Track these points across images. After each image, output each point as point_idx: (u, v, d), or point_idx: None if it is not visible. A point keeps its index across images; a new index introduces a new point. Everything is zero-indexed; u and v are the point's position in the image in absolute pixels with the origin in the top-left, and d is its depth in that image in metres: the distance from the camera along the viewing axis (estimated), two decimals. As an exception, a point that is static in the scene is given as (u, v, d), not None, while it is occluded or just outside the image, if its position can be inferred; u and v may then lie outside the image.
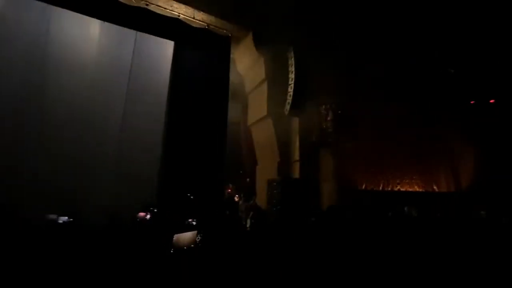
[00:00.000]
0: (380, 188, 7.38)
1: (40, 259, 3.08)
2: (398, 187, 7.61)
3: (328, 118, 6.70)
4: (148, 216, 4.98)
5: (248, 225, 5.38)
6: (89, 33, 5.65)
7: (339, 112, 6.68)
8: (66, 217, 4.32)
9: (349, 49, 6.82)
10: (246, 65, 7.46)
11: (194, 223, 5.02)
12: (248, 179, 8.06)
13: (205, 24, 6.54)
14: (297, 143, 6.84)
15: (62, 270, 2.92)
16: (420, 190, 7.86)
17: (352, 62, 6.79)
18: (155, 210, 5.17)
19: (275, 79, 6.75)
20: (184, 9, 6.24)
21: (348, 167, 6.97)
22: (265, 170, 7.18)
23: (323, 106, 6.82)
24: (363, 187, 7.20)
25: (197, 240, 3.99)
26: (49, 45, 5.26)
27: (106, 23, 5.75)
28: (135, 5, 5.87)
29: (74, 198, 4.85)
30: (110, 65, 5.63)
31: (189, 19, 6.38)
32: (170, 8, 6.17)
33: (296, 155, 6.85)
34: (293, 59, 6.60)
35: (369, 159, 7.21)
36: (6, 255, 2.85)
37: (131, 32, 5.94)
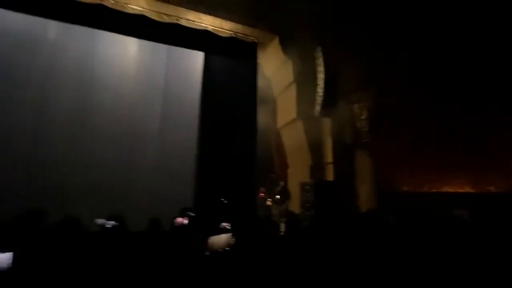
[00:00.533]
0: (424, 189, 6.82)
1: (94, 266, 3.31)
2: (445, 188, 6.95)
3: (362, 117, 6.44)
4: (186, 221, 5.20)
5: (282, 230, 5.32)
6: (127, 51, 6.21)
7: (374, 110, 6.38)
8: (113, 221, 4.69)
9: (379, 43, 6.51)
10: (273, 69, 7.50)
11: (228, 226, 5.12)
12: (281, 183, 7.99)
13: (233, 33, 6.74)
14: (330, 145, 6.66)
15: (111, 275, 3.11)
16: (472, 191, 7.09)
17: (384, 56, 6.47)
18: (193, 215, 5.39)
19: (303, 80, 6.68)
20: (211, 21, 6.50)
21: (386, 168, 6.58)
22: (297, 173, 7.08)
23: (356, 105, 6.58)
24: (405, 189, 6.72)
25: (232, 243, 4.03)
26: (95, 66, 5.87)
27: (142, 41, 6.28)
28: (168, 21, 6.26)
29: (116, 204, 5.24)
30: (146, 79, 6.13)
31: (217, 30, 6.63)
32: (199, 21, 6.46)
33: (329, 157, 6.66)
34: (321, 58, 6.47)
35: (410, 159, 6.72)
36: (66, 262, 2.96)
37: (164, 47, 6.40)
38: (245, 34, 6.82)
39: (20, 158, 5.02)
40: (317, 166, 6.68)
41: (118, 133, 5.72)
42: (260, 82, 7.28)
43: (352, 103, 6.61)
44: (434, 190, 6.89)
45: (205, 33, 6.52)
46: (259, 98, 7.03)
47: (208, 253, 3.90)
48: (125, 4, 5.82)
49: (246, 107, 6.74)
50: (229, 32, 6.71)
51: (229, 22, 6.57)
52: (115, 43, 6.13)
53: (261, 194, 8.00)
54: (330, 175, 6.58)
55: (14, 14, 5.25)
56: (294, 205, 6.48)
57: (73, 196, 5.06)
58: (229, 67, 6.80)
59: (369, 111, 6.41)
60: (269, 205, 7.49)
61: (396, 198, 6.41)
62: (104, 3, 5.68)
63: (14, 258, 2.56)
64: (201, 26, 6.48)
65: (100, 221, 4.62)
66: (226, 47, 6.70)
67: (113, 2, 5.73)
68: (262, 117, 7.14)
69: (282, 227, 5.36)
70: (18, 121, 5.14)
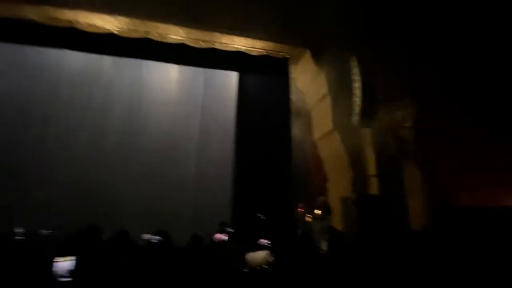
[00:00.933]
0: (484, 202, 5.93)
1: (141, 276, 3.47)
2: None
3: (406, 125, 5.99)
4: (225, 237, 5.25)
5: (323, 248, 5.05)
6: (169, 76, 6.84)
7: (419, 116, 5.89)
8: (159, 237, 4.95)
9: (418, 46, 6.11)
10: (306, 82, 7.47)
11: (267, 243, 5.03)
12: (322, 197, 7.66)
13: (264, 51, 6.95)
14: (372, 156, 6.26)
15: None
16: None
17: (425, 59, 6.02)
18: (231, 231, 5.43)
19: (338, 91, 6.52)
20: (244, 41, 6.81)
21: (439, 179, 5.93)
22: (337, 187, 6.75)
23: (398, 113, 6.16)
24: (462, 202, 5.94)
25: (270, 260, 3.93)
26: (142, 92, 6.55)
27: (182, 66, 6.88)
28: (204, 46, 6.72)
29: (159, 219, 5.55)
30: (186, 100, 6.64)
31: (250, 49, 6.91)
32: (232, 43, 6.82)
33: (372, 169, 6.24)
34: (356, 68, 6.30)
35: (466, 167, 5.97)
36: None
37: (201, 70, 6.91)
38: (276, 51, 6.99)
39: (79, 178, 5.70)
40: (358, 179, 6.31)
41: (160, 151, 6.21)
42: (293, 96, 7.31)
43: (394, 111, 6.21)
44: (496, 204, 5.95)
45: (238, 54, 6.84)
46: (293, 111, 7.03)
47: (247, 270, 3.87)
48: (167, 35, 6.43)
49: (280, 121, 6.79)
50: (261, 50, 6.94)
51: (261, 41, 6.81)
52: (158, 71, 6.79)
53: (299, 209, 7.76)
54: (374, 189, 6.14)
55: (76, 53, 6.22)
56: (336, 221, 6.14)
57: (123, 213, 5.52)
58: (262, 83, 6.99)
59: (413, 118, 5.94)
60: (308, 221, 7.21)
61: (452, 212, 5.69)
62: (149, 36, 6.35)
63: (76, 264, 3.08)
64: (234, 47, 6.82)
65: (146, 236, 4.93)
66: (258, 65, 6.93)
67: (156, 34, 6.38)
68: (296, 130, 7.08)
69: (324, 245, 5.09)
70: (79, 144, 5.89)
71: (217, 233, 5.20)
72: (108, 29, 6.07)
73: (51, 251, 3.49)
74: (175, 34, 6.46)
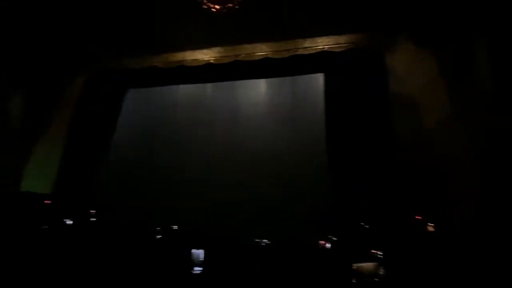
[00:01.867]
0: None
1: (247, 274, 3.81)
2: None
3: None
4: (328, 245, 5.03)
5: (449, 264, 4.07)
6: (259, 90, 7.38)
7: None
8: (266, 240, 5.24)
9: None
10: (406, 69, 6.43)
11: (378, 254, 4.51)
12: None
13: (351, 45, 6.47)
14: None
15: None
16: None
17: None
18: (335, 239, 5.16)
19: (454, 77, 5.32)
20: (327, 40, 6.57)
21: None
22: (461, 189, 5.36)
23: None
24: None
25: (381, 273, 3.52)
26: (237, 107, 7.29)
27: (270, 79, 7.30)
28: (287, 55, 6.89)
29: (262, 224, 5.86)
30: (275, 111, 6.94)
31: (334, 46, 6.59)
32: (315, 45, 6.69)
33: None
34: (485, 49, 5.01)
35: None
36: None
37: (288, 78, 7.11)
38: (364, 42, 6.39)
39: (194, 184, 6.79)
40: (496, 179, 4.83)
41: (257, 160, 6.65)
42: (393, 87, 6.41)
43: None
44: None
45: (323, 54, 6.62)
46: (394, 103, 6.15)
47: (355, 281, 3.58)
48: (253, 53, 6.98)
49: (379, 117, 6.06)
50: (347, 44, 6.50)
51: (345, 35, 6.41)
52: (249, 87, 7.44)
53: (417, 217, 6.58)
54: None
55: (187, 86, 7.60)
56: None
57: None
58: (354, 79, 6.47)
59: None
60: (430, 231, 6.02)
61: None
62: (239, 58, 7.04)
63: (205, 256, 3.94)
64: (317, 49, 6.66)
65: (257, 240, 5.32)
66: (346, 61, 6.49)
67: (244, 55, 7.01)
68: (402, 125, 6.14)
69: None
70: (191, 155, 7.07)
71: (320, 240, 5.07)
72: (206, 60, 7.14)
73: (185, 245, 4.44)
74: (259, 50, 6.93)
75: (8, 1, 5.51)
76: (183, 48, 7.21)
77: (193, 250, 4.16)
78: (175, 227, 5.64)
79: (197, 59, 7.21)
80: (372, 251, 4.46)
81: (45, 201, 6.42)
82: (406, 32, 5.92)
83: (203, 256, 4.12)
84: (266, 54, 6.90)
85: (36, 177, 6.71)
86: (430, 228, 6.13)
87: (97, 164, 7.11)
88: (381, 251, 4.42)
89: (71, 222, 5.75)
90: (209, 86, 7.84)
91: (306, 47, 6.74)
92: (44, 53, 6.81)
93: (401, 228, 5.30)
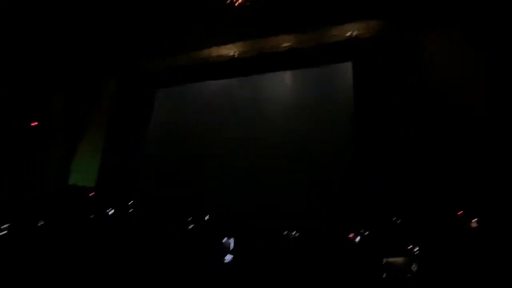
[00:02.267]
0: None
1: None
2: None
3: None
4: (358, 238, 4.93)
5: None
6: (286, 84, 7.31)
7: None
8: (295, 232, 5.29)
9: None
10: (444, 59, 5.85)
11: (414, 250, 4.32)
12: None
13: (382, 31, 6.09)
14: None
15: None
16: None
17: None
18: (366, 233, 5.02)
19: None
20: (355, 26, 6.25)
21: None
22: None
23: None
24: None
25: (413, 269, 3.36)
26: (262, 99, 7.32)
27: (295, 70, 7.18)
28: (313, 45, 6.69)
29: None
30: (300, 101, 6.83)
31: (364, 33, 6.25)
32: (342, 32, 6.38)
33: None
34: None
35: None
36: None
37: (314, 69, 6.92)
38: (392, 29, 5.98)
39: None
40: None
41: (286, 154, 6.65)
42: (430, 74, 5.92)
43: None
44: None
45: (351, 41, 6.31)
46: (430, 91, 5.70)
47: (384, 276, 3.47)
48: (277, 45, 6.88)
49: (408, 107, 5.66)
50: (377, 31, 6.13)
51: (374, 21, 6.05)
52: (274, 79, 7.37)
53: (458, 213, 6.10)
54: None
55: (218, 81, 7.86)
56: None
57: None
58: (384, 68, 6.11)
59: None
60: (473, 227, 5.57)
61: None
62: (264, 50, 7.01)
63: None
64: (344, 36, 6.37)
65: (289, 233, 5.39)
66: (375, 49, 6.14)
67: (269, 47, 6.96)
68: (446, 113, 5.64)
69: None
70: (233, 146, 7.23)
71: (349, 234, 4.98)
72: (231, 55, 7.19)
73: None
74: (285, 42, 6.80)
75: (48, 12, 6.03)
76: (207, 45, 7.32)
77: (224, 240, 4.34)
78: (207, 217, 5.92)
79: (222, 55, 7.30)
80: (408, 247, 4.32)
81: (90, 194, 7.10)
82: (445, 19, 5.38)
83: (233, 245, 4.31)
84: (291, 45, 6.76)
85: (81, 171, 7.36)
86: (473, 225, 5.69)
87: (134, 158, 7.60)
88: (417, 246, 4.24)
89: (112, 212, 6.29)
90: (235, 81, 7.90)
91: (333, 35, 6.47)
92: (81, 58, 7.35)
93: (441, 224, 4.99)
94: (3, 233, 4.32)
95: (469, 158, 5.42)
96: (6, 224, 4.65)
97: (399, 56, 5.96)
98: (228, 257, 4.12)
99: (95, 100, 7.96)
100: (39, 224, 5.24)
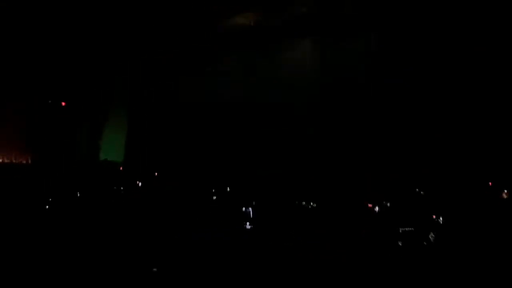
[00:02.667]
0: None
1: None
2: None
3: None
4: (377, 208, 4.91)
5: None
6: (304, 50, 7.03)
7: None
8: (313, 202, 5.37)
9: None
10: None
11: (438, 220, 4.23)
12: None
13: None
14: None
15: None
16: None
17: None
18: (387, 204, 4.98)
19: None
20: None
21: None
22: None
23: None
24: None
25: (431, 238, 3.32)
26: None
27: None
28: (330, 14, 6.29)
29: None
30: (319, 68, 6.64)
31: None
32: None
33: None
34: None
35: None
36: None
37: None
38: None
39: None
40: None
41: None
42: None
43: None
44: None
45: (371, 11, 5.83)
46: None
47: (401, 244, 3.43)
48: (293, 12, 6.53)
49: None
50: None
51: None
52: (293, 46, 7.12)
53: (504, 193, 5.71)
54: None
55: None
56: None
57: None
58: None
59: None
60: (505, 198, 5.25)
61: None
62: (280, 18, 6.68)
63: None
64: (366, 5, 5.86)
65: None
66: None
67: (288, 14, 6.62)
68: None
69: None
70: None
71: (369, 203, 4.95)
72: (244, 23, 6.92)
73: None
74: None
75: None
76: (222, 14, 7.07)
77: (244, 208, 4.53)
78: (228, 188, 6.15)
79: (238, 24, 7.05)
80: (433, 216, 4.18)
81: (120, 168, 7.59)
82: None
83: (251, 213, 4.52)
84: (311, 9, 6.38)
85: (110, 147, 7.79)
86: (504, 195, 5.37)
87: (158, 134, 7.88)
88: (441, 216, 4.10)
89: (140, 184, 6.73)
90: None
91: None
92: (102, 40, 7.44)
93: (468, 194, 4.78)
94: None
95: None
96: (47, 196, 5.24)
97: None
98: (248, 225, 4.40)
99: (118, 76, 8.04)
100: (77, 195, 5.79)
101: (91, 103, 7.65)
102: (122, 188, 6.44)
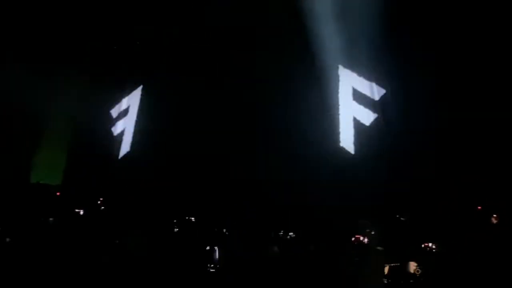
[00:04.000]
0: None
1: None
2: None
3: None
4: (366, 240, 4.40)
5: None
6: None
7: None
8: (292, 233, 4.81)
9: None
10: None
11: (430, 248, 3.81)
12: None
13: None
14: None
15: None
16: None
17: None
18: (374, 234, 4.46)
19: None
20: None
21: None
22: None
23: None
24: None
25: (417, 273, 3.21)
26: None
27: None
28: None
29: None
30: None
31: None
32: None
33: None
34: None
35: None
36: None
37: None
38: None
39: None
40: None
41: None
42: None
43: None
44: None
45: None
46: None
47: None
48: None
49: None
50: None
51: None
52: None
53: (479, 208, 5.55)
54: None
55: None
56: None
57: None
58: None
59: None
60: (494, 223, 5.00)
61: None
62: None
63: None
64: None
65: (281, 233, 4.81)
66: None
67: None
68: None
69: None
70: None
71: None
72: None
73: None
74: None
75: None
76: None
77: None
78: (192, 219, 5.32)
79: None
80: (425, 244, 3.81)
81: (57, 193, 6.28)
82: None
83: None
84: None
85: (45, 168, 6.44)
86: (494, 220, 5.14)
87: (106, 155, 6.71)
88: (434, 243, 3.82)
89: (81, 212, 5.54)
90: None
91: None
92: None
93: (458, 220, 4.46)
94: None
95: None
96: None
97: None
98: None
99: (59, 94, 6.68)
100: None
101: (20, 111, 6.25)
102: (56, 218, 5.21)
